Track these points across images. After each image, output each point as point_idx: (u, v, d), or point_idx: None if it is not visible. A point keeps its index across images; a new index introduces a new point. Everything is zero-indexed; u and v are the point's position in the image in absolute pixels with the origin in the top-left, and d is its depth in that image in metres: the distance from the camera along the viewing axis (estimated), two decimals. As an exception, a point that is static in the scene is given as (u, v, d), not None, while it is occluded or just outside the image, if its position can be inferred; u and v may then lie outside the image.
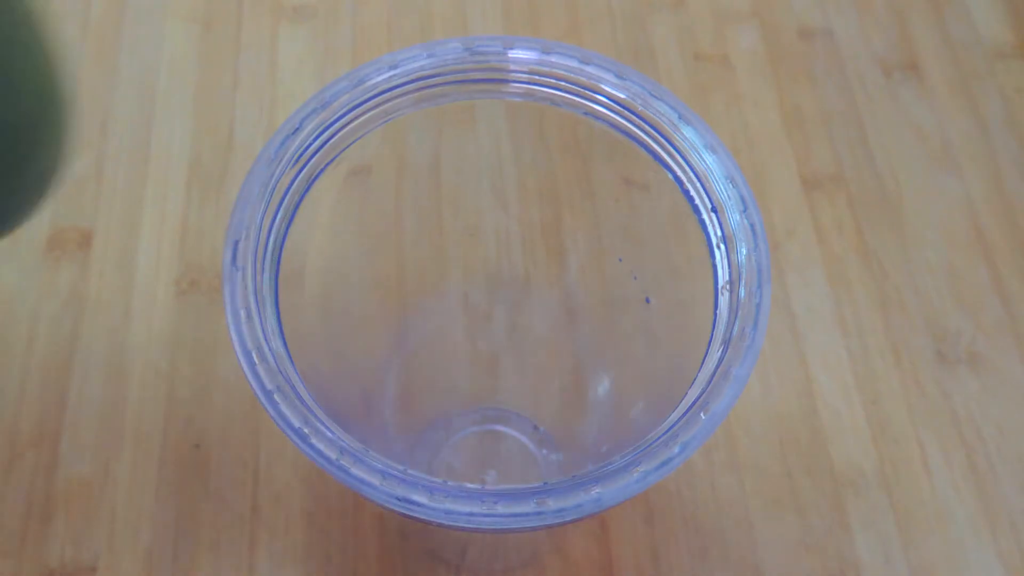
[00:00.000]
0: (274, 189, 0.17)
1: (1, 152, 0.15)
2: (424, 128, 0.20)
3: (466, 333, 0.26)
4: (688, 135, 0.17)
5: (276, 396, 0.15)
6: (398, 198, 0.21)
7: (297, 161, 0.17)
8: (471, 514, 0.14)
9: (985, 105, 0.34)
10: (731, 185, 0.17)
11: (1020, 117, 0.34)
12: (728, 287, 0.17)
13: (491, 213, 0.24)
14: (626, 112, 0.18)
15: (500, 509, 0.14)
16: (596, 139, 0.19)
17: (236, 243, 0.16)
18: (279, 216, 0.17)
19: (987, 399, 0.29)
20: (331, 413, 0.16)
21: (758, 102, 0.34)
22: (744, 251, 0.17)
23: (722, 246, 0.17)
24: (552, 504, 0.14)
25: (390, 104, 0.19)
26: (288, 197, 0.17)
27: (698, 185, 0.17)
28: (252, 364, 0.15)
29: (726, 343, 0.16)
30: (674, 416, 0.16)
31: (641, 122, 0.18)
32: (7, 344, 0.29)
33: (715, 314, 0.17)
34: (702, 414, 0.15)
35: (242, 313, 0.16)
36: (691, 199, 0.18)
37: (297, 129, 0.18)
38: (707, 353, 0.16)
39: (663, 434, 0.15)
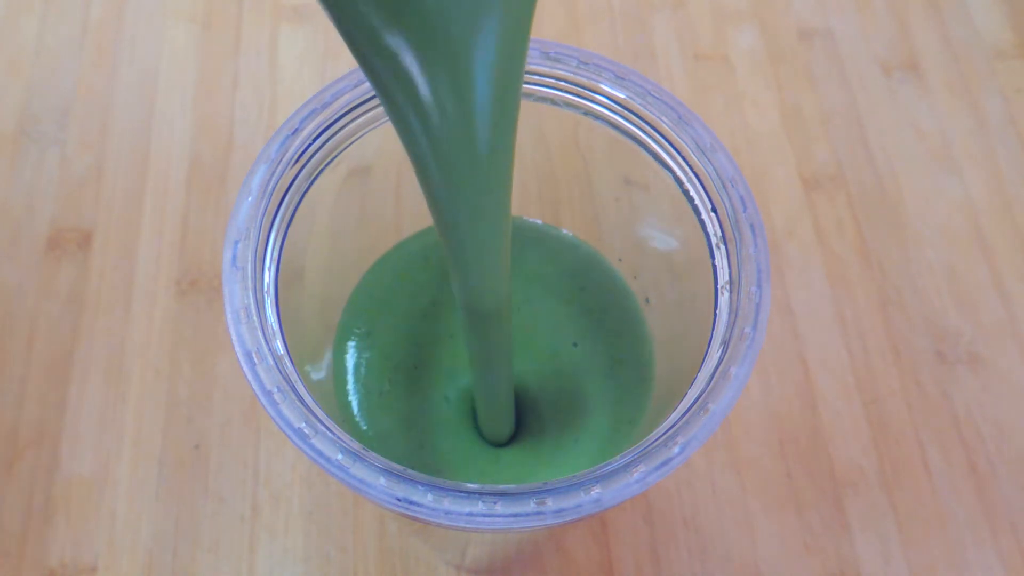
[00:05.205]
0: (274, 189, 0.17)
1: None
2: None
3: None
4: (688, 135, 0.17)
5: (276, 396, 0.15)
6: (398, 198, 0.21)
7: (297, 161, 0.17)
8: (471, 514, 0.14)
9: (985, 105, 0.34)
10: (731, 185, 0.17)
11: (1020, 117, 0.34)
12: (728, 287, 0.17)
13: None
14: (626, 112, 0.18)
15: (500, 509, 0.14)
16: (596, 139, 0.19)
17: (236, 243, 0.16)
18: (279, 216, 0.17)
19: (987, 399, 0.29)
20: (331, 413, 0.16)
21: (758, 102, 0.34)
22: (744, 251, 0.16)
23: (722, 246, 0.17)
24: (552, 504, 0.14)
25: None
26: (288, 197, 0.17)
27: (698, 185, 0.17)
28: (252, 364, 0.15)
29: (726, 343, 0.16)
30: (674, 416, 0.16)
31: (641, 122, 0.18)
32: (7, 344, 0.29)
33: (715, 314, 0.17)
34: (702, 414, 0.15)
35: (242, 313, 0.16)
36: (691, 199, 0.18)
37: (297, 129, 0.18)
38: (707, 353, 0.16)
39: (663, 434, 0.15)
